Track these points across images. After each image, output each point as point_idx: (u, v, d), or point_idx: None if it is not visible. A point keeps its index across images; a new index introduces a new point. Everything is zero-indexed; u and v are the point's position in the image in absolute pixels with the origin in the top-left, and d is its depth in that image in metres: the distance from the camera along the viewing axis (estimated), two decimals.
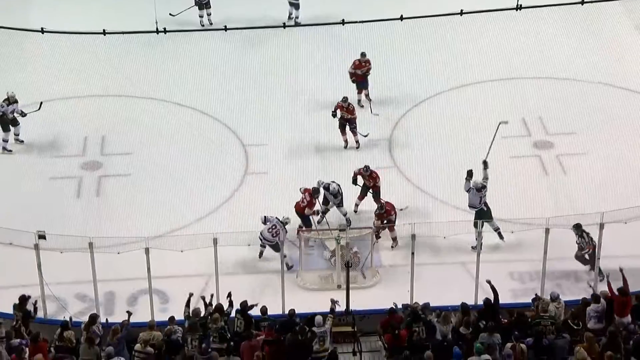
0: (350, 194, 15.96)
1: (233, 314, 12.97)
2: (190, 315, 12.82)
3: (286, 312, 13.16)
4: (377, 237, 15.01)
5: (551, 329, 12.32)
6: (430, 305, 13.02)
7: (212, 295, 13.32)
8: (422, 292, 13.51)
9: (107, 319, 13.31)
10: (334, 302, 12.96)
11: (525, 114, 18.31)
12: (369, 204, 15.81)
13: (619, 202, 15.07)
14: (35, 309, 13.27)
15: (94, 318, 12.76)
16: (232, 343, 12.42)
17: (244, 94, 19.26)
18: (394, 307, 12.94)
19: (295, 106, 18.91)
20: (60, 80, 19.37)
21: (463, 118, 18.38)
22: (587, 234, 14.26)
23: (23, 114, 17.63)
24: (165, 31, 15.75)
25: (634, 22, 21.10)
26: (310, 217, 15.45)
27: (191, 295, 13.07)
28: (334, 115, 17.44)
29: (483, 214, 14.78)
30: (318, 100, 18.79)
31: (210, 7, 21.17)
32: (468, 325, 12.49)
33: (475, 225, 14.18)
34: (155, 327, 12.67)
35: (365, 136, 17.65)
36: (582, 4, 15.97)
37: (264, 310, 13.01)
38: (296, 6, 21.12)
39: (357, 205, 16.05)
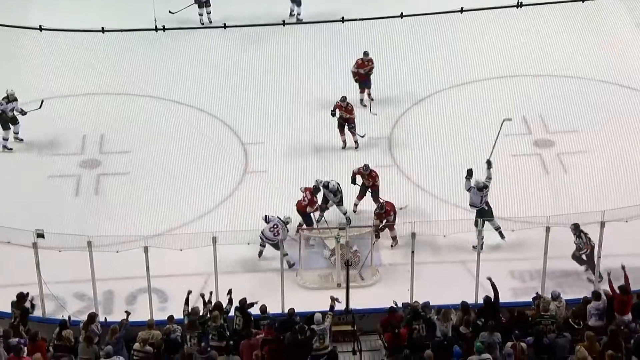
0: (350, 193, 15.88)
1: (232, 311, 12.92)
2: (190, 313, 12.77)
3: (286, 311, 13.13)
4: (377, 236, 14.95)
5: (552, 328, 12.28)
6: (430, 304, 12.98)
7: (211, 293, 13.29)
8: (422, 291, 13.48)
9: (105, 318, 13.29)
10: (333, 299, 12.93)
11: (526, 112, 18.26)
12: (368, 204, 15.77)
13: (619, 201, 15.02)
14: (33, 305, 13.22)
15: (92, 317, 12.74)
16: (231, 342, 12.38)
17: (243, 92, 19.20)
18: (394, 306, 12.91)
19: (295, 105, 18.85)
20: (59, 78, 19.30)
21: (463, 116, 18.33)
22: (586, 234, 14.24)
23: (23, 113, 17.58)
24: (164, 29, 15.67)
25: (635, 20, 21.05)
26: (312, 215, 15.38)
27: (190, 292, 13.04)
28: (333, 114, 17.38)
29: (484, 213, 14.73)
30: (318, 99, 18.73)
31: (209, 5, 21.11)
32: (468, 324, 12.46)
33: (476, 224, 14.13)
34: (155, 326, 12.66)
35: (362, 137, 17.58)
36: (583, 2, 15.87)
37: (263, 309, 12.99)
38: (298, 3, 21.06)
39: (356, 205, 15.99)
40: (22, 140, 17.87)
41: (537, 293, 13.48)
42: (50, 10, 20.82)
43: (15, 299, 13.06)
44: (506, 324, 12.56)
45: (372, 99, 18.61)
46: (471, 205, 14.98)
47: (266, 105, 18.81)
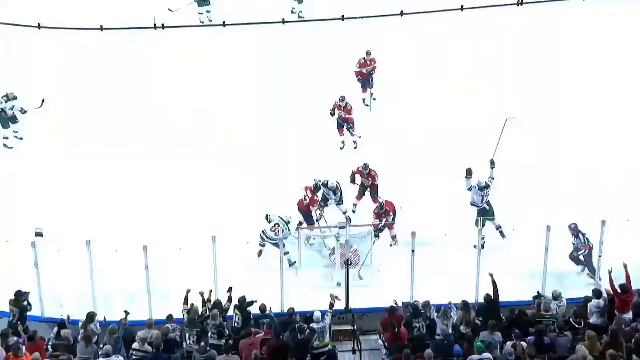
0: (349, 193, 15.82)
1: (231, 309, 12.88)
2: (189, 310, 12.75)
3: (285, 310, 13.09)
4: (377, 235, 14.90)
5: (552, 328, 12.24)
6: (430, 303, 12.97)
7: (210, 291, 13.26)
8: (422, 289, 13.43)
9: (104, 317, 13.25)
10: (333, 297, 12.89)
11: (527, 110, 18.17)
12: (368, 203, 15.74)
13: (621, 199, 14.96)
14: (29, 304, 13.17)
15: (91, 316, 12.72)
16: (230, 341, 12.33)
17: (243, 90, 19.12)
18: (394, 305, 12.86)
19: (295, 103, 18.79)
20: (57, 76, 19.24)
21: (464, 114, 18.26)
22: (584, 234, 14.20)
23: (23, 111, 17.53)
24: (163, 27, 15.64)
25: None
26: (314, 213, 15.33)
27: (189, 291, 13.02)
28: (332, 114, 17.31)
29: (485, 213, 14.68)
30: (317, 97, 18.66)
31: (209, 4, 21.05)
32: (469, 323, 12.42)
33: (477, 223, 14.07)
34: (154, 325, 12.62)
35: (359, 137, 17.49)
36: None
37: (262, 308, 12.96)
38: (299, 0, 20.99)
39: (355, 205, 15.93)
40: (21, 139, 17.83)
41: (538, 292, 13.47)
42: (48, 7, 20.73)
43: (13, 297, 13.03)
44: (506, 323, 12.52)
45: (374, 99, 18.56)
46: (472, 204, 14.94)
47: (266, 104, 18.73)
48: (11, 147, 17.70)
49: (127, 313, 12.84)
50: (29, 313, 13.20)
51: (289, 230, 14.74)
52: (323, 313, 12.55)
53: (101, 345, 12.14)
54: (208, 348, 11.98)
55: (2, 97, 17.50)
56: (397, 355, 12.10)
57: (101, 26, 15.51)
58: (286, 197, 15.72)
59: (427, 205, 16.04)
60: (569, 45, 20.07)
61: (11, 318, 12.85)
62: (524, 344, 11.87)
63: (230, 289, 13.04)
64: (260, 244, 14.85)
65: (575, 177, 16.66)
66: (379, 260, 14.96)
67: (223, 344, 12.23)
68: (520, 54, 19.91)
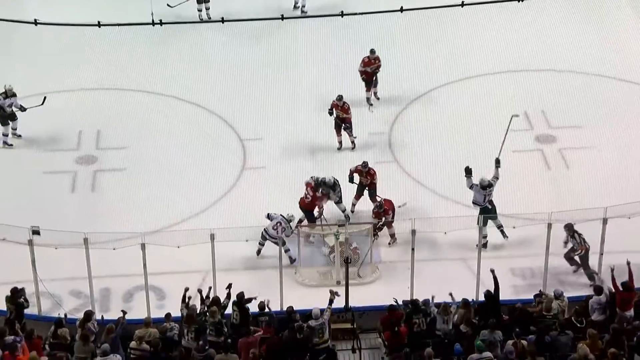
0: (348, 193, 15.73)
1: (230, 307, 12.82)
2: (187, 306, 12.71)
3: (284, 308, 13.02)
4: (375, 234, 14.81)
5: (554, 327, 12.17)
6: (430, 302, 12.91)
7: (209, 288, 13.22)
8: (423, 288, 13.37)
9: (102, 316, 13.22)
10: (333, 292, 12.82)
11: (528, 107, 18.11)
12: (367, 202, 15.66)
13: (622, 197, 14.88)
14: (26, 299, 13.09)
15: (89, 315, 12.67)
16: (229, 340, 12.26)
17: (241, 88, 19.07)
18: (395, 303, 12.79)
19: (294, 101, 18.72)
20: (55, 73, 19.16)
21: (464, 112, 18.22)
22: (580, 234, 14.12)
23: (23, 109, 17.43)
24: (161, 23, 15.52)
25: (638, 13, 20.88)
26: (319, 208, 15.26)
27: (187, 290, 12.94)
28: (331, 113, 17.19)
29: (487, 212, 14.60)
30: (317, 95, 18.59)
31: (208, 0, 20.93)
32: (469, 322, 12.33)
33: (479, 222, 13.98)
34: (152, 324, 12.57)
35: (355, 138, 17.36)
36: None
37: (261, 305, 12.91)
38: None
39: (353, 205, 15.83)
40: (20, 136, 17.75)
41: (540, 290, 13.39)
42: (46, 4, 20.62)
43: (9, 294, 12.97)
44: (507, 321, 12.45)
45: (378, 98, 18.46)
46: (474, 203, 14.85)
47: (265, 101, 18.67)
48: (11, 145, 17.61)
49: (124, 313, 12.77)
50: (26, 311, 13.11)
51: (290, 228, 14.66)
52: (322, 310, 12.48)
53: (99, 345, 12.05)
54: (207, 347, 11.91)
55: (0, 94, 17.40)
56: (396, 354, 12.05)
57: (99, 22, 15.36)
58: (285, 194, 15.64)
59: (427, 202, 16.00)
60: (569, 45, 19.94)
61: (9, 315, 12.77)
62: (524, 342, 11.81)
63: (229, 286, 12.97)
64: (260, 243, 14.78)
65: (577, 173, 16.58)
66: (378, 259, 14.87)
67: (222, 341, 12.15)
68: (521, 50, 19.79)
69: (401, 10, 15.37)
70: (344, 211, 15.65)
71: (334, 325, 12.91)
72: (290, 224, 14.72)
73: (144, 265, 13.25)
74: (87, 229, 13.63)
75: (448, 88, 18.94)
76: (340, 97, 17.10)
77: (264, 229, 14.64)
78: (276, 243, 14.46)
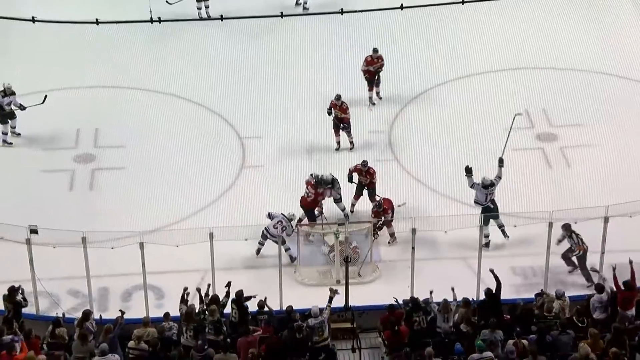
0: (347, 193, 15.66)
1: (229, 306, 12.78)
2: (186, 303, 12.67)
3: (284, 307, 12.96)
4: (375, 233, 14.76)
5: (555, 327, 12.12)
6: (430, 301, 12.89)
7: (208, 286, 13.19)
8: (423, 287, 13.31)
9: (100, 316, 13.18)
10: (333, 290, 12.77)
11: (529, 106, 18.05)
12: (367, 202, 15.62)
13: (623, 195, 14.81)
14: (24, 298, 13.05)
15: (87, 314, 12.62)
16: (228, 340, 12.20)
17: (241, 86, 19.01)
18: (395, 302, 12.74)
19: (294, 99, 18.66)
20: (53, 71, 19.11)
21: (465, 110, 18.18)
22: (577, 235, 14.07)
23: (22, 108, 17.37)
24: (159, 21, 15.43)
25: (639, 10, 20.81)
26: (317, 208, 15.19)
27: (186, 289, 12.90)
28: (329, 113, 17.12)
29: (489, 212, 14.53)
30: (317, 94, 18.53)
31: None
32: (469, 321, 12.28)
33: (480, 221, 13.92)
34: (150, 323, 12.53)
35: (352, 138, 17.29)
36: None
37: (261, 304, 12.86)
38: None
39: (353, 205, 15.77)
40: (19, 134, 17.70)
41: (541, 290, 13.35)
42: (44, 1, 20.55)
43: (6, 292, 12.93)
44: (508, 321, 12.39)
45: (381, 98, 18.39)
46: (476, 202, 14.80)
47: (264, 100, 18.62)
48: (11, 144, 17.54)
49: (122, 312, 12.71)
50: (23, 310, 13.06)
51: (291, 227, 14.61)
52: (321, 309, 12.43)
53: (97, 344, 11.99)
54: (206, 346, 11.85)
55: None
56: (396, 353, 12.01)
57: (97, 20, 15.28)
58: (284, 193, 15.60)
59: (428, 201, 15.95)
60: (570, 42, 19.88)
61: (7, 314, 12.72)
62: (525, 342, 11.75)
63: (228, 284, 12.93)
64: (259, 242, 14.72)
65: (578, 171, 16.54)
66: (378, 258, 14.82)
67: (221, 340, 12.10)
68: (521, 48, 19.73)
69: (401, 7, 15.28)
70: (343, 210, 15.59)
71: (333, 325, 12.87)
72: (291, 222, 14.67)
73: (143, 264, 13.20)
74: (85, 227, 13.59)
75: (448, 86, 18.90)
76: (338, 97, 17.01)
77: (265, 228, 14.59)
78: (276, 242, 14.41)
